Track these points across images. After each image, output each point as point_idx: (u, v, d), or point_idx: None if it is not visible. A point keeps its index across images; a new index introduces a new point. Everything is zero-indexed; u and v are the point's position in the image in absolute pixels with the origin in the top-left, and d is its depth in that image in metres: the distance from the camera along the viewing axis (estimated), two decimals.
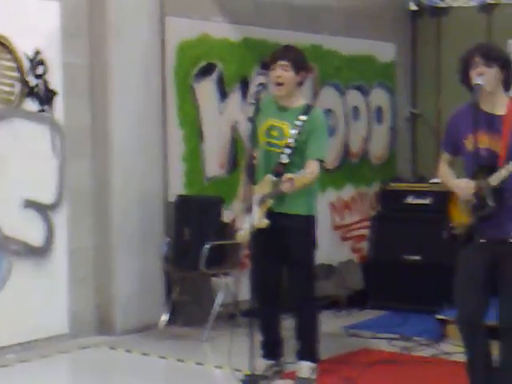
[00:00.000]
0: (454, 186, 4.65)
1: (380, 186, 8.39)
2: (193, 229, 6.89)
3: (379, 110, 9.15)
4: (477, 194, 4.49)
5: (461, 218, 4.61)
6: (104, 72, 6.79)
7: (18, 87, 6.36)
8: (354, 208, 8.83)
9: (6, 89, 6.30)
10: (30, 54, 6.41)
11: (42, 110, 6.51)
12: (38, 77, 6.47)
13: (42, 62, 6.48)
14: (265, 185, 5.50)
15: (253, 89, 7.59)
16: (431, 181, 7.81)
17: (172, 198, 7.13)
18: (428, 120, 9.15)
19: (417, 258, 7.68)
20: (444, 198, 4.90)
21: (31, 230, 6.46)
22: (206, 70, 7.49)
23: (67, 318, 6.66)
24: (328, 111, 8.46)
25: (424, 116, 9.25)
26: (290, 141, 5.48)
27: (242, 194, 5.68)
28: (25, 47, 6.37)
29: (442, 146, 4.89)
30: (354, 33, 8.67)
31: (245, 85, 7.75)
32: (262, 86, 5.57)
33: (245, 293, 6.19)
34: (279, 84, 5.51)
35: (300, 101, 5.61)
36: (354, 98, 8.84)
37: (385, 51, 9.14)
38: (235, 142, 7.61)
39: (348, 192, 8.78)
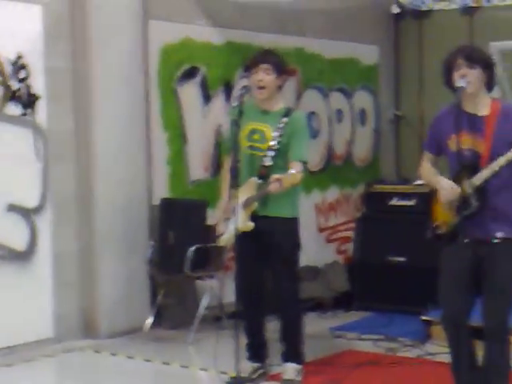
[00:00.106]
0: (438, 185, 4.68)
1: (364, 187, 8.42)
2: (177, 232, 6.89)
3: (363, 113, 9.17)
4: (460, 194, 4.52)
5: (444, 217, 4.64)
6: (87, 76, 6.78)
7: (0, 91, 6.34)
8: (338, 210, 8.85)
9: None
10: (12, 58, 6.39)
11: (25, 114, 6.49)
12: (21, 81, 6.45)
13: (24, 66, 6.47)
14: (249, 188, 5.51)
15: (236, 92, 7.60)
16: (415, 182, 7.85)
17: (156, 202, 7.12)
18: (411, 122, 9.19)
19: (401, 259, 7.71)
20: (428, 199, 4.92)
21: (15, 235, 6.43)
22: (190, 74, 7.50)
23: (52, 322, 6.64)
24: (312, 114, 8.48)
25: (407, 118, 9.28)
26: (273, 143, 5.50)
27: (225, 198, 5.68)
28: (7, 51, 6.35)
29: (424, 146, 4.92)
30: (337, 36, 8.69)
31: (228, 88, 7.76)
32: (246, 89, 5.57)
33: (230, 295, 6.18)
34: (261, 87, 5.54)
35: (280, 104, 5.65)
36: (338, 100, 8.86)
37: (368, 54, 9.16)
38: (219, 145, 7.61)
39: (333, 194, 8.80)
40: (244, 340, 5.67)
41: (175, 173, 7.39)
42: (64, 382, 6.17)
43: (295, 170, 5.30)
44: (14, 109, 6.42)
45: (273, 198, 5.45)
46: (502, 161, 4.45)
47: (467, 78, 4.53)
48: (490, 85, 4.65)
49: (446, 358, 4.93)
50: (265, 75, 5.52)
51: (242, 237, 5.36)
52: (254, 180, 5.51)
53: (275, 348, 5.78)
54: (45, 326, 6.59)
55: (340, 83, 8.88)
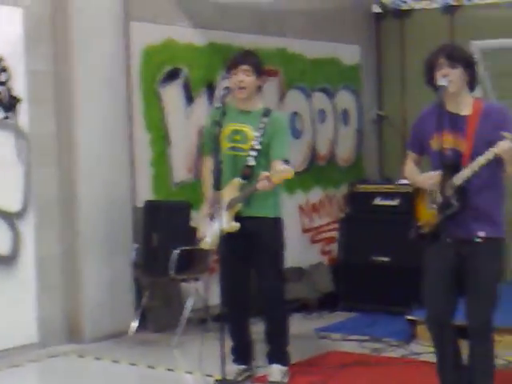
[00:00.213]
0: (421, 181, 4.69)
1: (348, 188, 8.42)
2: (161, 234, 6.87)
3: (345, 113, 9.17)
4: (442, 193, 4.53)
5: (427, 217, 4.64)
6: (68, 78, 6.75)
7: None
8: (322, 210, 8.85)
9: None
10: None
11: (6, 117, 6.45)
12: (1, 84, 6.41)
13: (4, 69, 6.43)
14: (232, 188, 5.51)
15: (219, 93, 7.58)
16: (398, 182, 7.86)
17: (140, 204, 7.10)
18: (394, 122, 9.20)
19: (385, 259, 7.72)
20: (411, 198, 4.93)
21: None
22: (172, 75, 7.48)
23: (36, 327, 6.60)
24: (294, 114, 8.48)
25: (390, 118, 9.29)
26: (255, 143, 5.52)
27: (208, 200, 5.67)
28: None
29: (407, 146, 4.93)
30: (319, 36, 8.69)
31: (211, 89, 7.74)
32: (228, 89, 5.57)
33: (215, 297, 6.17)
34: (242, 88, 5.55)
35: (259, 104, 5.68)
36: (320, 100, 8.86)
37: (349, 54, 9.17)
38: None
39: (316, 195, 8.79)
40: (229, 342, 5.66)
41: (158, 174, 7.36)
42: None
43: (283, 167, 5.31)
44: None
45: (256, 199, 5.48)
46: (481, 160, 4.45)
47: (449, 77, 4.54)
48: (472, 84, 4.65)
49: (431, 358, 4.94)
50: (245, 76, 5.55)
51: (226, 238, 5.35)
52: (238, 180, 5.52)
53: (261, 349, 5.77)
54: (29, 331, 6.55)
55: (322, 83, 8.88)
